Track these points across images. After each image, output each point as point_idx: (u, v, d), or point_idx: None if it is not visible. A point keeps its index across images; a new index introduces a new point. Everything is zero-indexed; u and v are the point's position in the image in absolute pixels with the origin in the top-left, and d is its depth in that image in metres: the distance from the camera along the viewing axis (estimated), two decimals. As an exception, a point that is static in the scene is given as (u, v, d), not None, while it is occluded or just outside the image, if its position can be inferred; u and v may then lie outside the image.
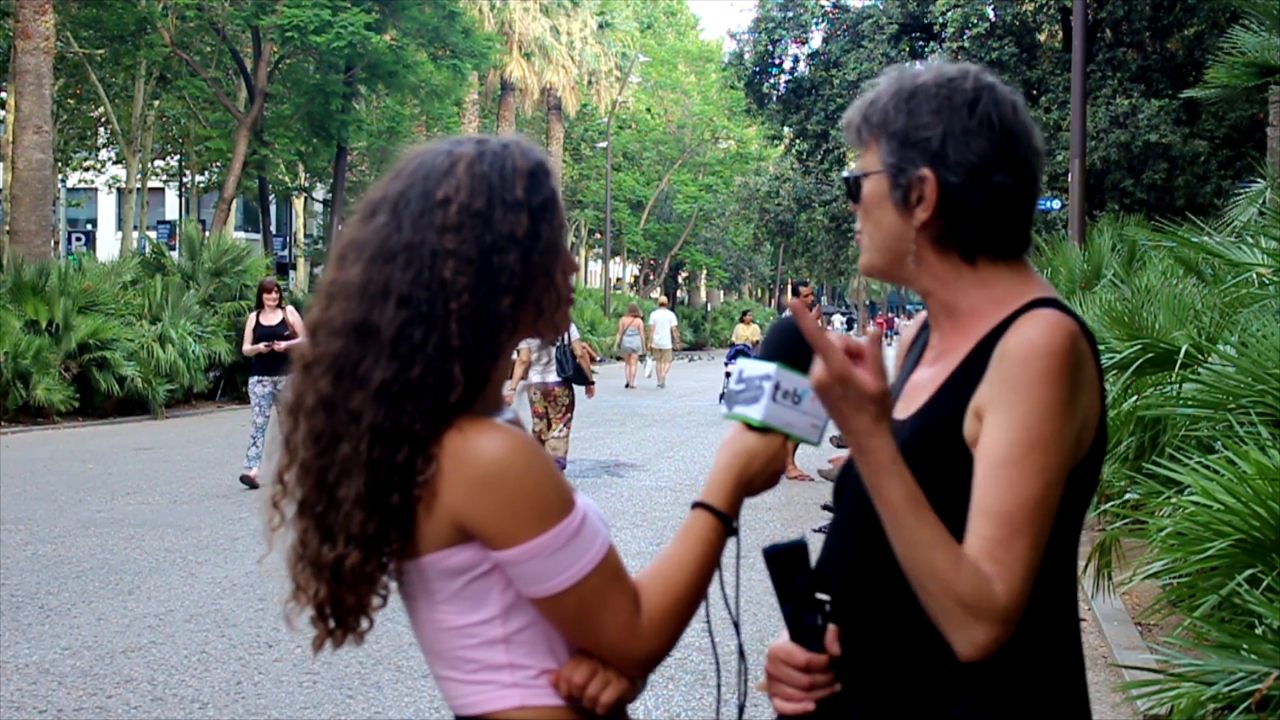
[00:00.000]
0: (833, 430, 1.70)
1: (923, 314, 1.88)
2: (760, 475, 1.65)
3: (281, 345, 11.42)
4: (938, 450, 1.63)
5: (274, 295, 11.94)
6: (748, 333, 24.16)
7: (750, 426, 1.65)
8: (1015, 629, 1.52)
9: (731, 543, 1.67)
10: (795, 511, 10.23)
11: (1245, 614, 4.02)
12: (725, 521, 1.63)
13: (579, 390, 12.25)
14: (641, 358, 29.18)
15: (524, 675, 1.60)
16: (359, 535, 1.56)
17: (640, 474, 12.90)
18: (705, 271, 60.05)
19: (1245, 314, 6.28)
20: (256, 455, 11.56)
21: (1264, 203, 9.63)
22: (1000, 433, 1.56)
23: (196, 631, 6.56)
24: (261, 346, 11.66)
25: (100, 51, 28.31)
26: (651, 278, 56.58)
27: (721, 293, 68.69)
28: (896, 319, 72.40)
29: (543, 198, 1.62)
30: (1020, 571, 1.52)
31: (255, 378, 11.86)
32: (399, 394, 1.54)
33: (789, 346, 1.65)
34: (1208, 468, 4.46)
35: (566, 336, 11.56)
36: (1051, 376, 1.55)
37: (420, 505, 1.55)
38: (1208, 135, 19.90)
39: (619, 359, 31.35)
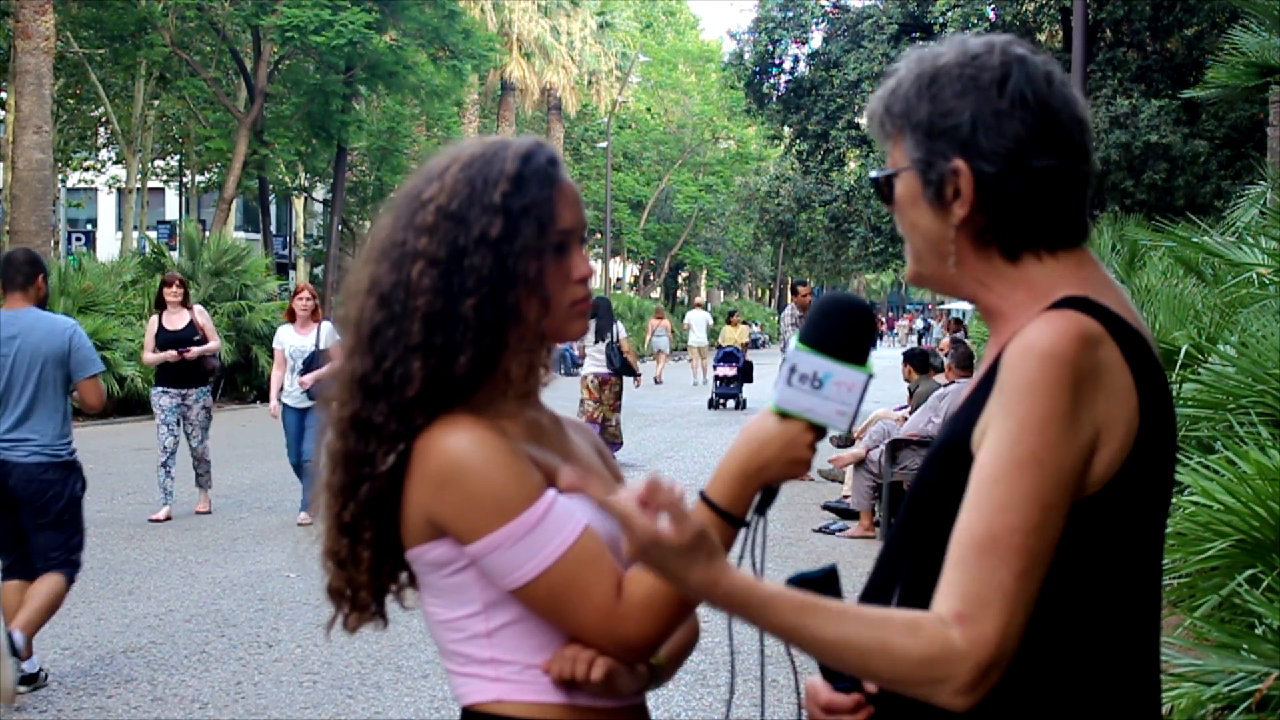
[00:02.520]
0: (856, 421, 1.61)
1: None
2: (774, 463, 1.53)
3: (193, 352, 9.68)
4: (949, 474, 1.47)
5: (176, 291, 9.85)
6: (735, 334, 23.70)
7: (774, 411, 1.55)
8: (1015, 672, 1.36)
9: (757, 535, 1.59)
10: (795, 511, 10.23)
11: (1245, 614, 4.03)
12: (725, 515, 1.53)
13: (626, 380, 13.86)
14: (678, 349, 29.30)
15: (507, 670, 1.62)
16: (335, 524, 1.64)
17: (640, 474, 12.84)
18: (705, 271, 60.02)
19: (1245, 314, 6.30)
20: (170, 492, 9.88)
21: (1264, 203, 9.63)
22: (990, 449, 1.39)
23: (196, 631, 6.56)
24: (169, 355, 9.60)
25: (100, 51, 28.28)
26: (651, 278, 56.56)
27: (721, 293, 68.68)
28: (897, 319, 72.40)
29: (526, 202, 1.61)
30: (999, 599, 1.33)
31: (159, 389, 9.89)
32: (373, 388, 1.60)
33: (817, 327, 1.54)
34: (1208, 468, 4.47)
35: (616, 334, 13.35)
36: (1046, 385, 1.37)
37: (400, 500, 1.60)
38: (1208, 135, 19.87)
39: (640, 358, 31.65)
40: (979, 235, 1.51)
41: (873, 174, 1.60)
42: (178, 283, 9.94)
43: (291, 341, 9.87)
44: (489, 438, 1.58)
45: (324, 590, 1.70)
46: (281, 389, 9.86)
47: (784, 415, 1.54)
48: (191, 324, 9.83)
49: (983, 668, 1.32)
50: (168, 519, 9.78)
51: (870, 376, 1.54)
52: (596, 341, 13.38)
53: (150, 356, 9.75)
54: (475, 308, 1.59)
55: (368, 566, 1.65)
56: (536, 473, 1.60)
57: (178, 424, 9.82)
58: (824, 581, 1.53)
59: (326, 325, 9.87)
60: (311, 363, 9.59)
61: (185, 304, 9.91)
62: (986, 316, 1.56)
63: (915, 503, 1.55)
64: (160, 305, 9.91)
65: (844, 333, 1.53)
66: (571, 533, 1.57)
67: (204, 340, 9.84)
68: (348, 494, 1.61)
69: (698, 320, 29.56)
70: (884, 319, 67.01)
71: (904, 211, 1.55)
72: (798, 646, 1.38)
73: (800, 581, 1.51)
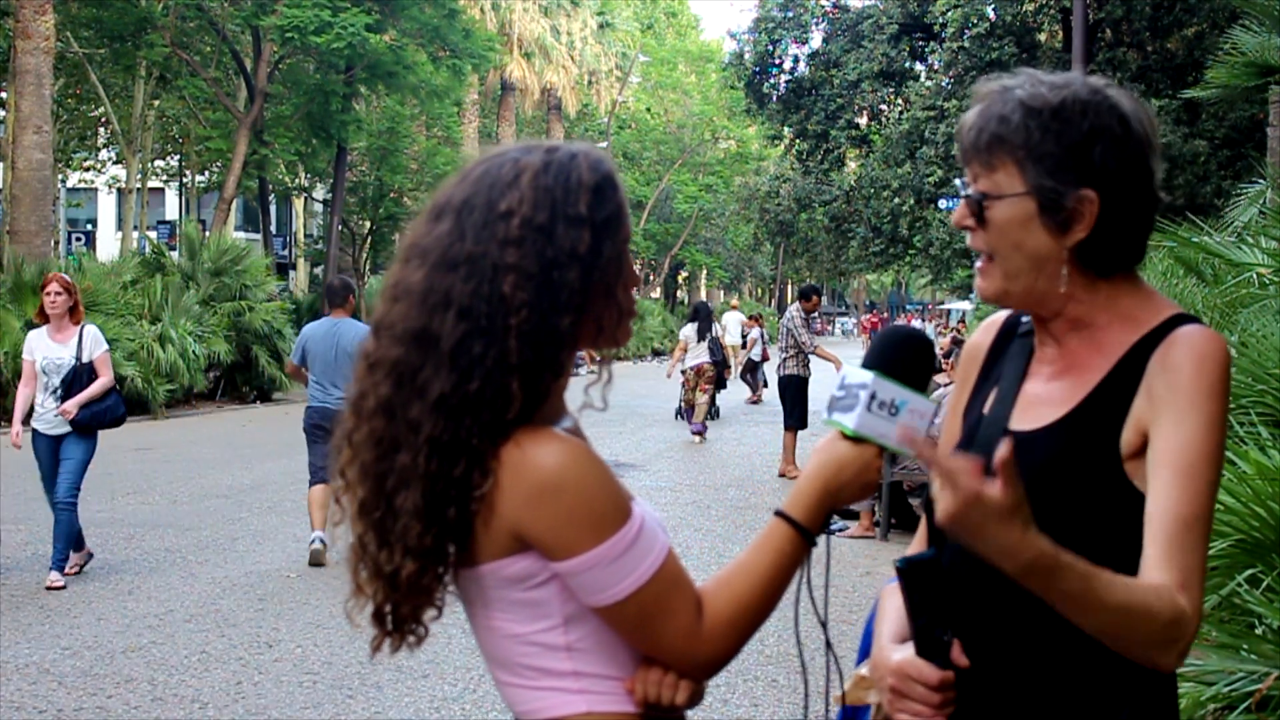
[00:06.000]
0: None
1: (996, 319, 1.87)
2: (850, 486, 1.63)
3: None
4: (1094, 465, 1.63)
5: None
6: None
7: (845, 435, 1.62)
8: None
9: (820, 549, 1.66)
10: (795, 511, 10.22)
11: (1245, 614, 4.03)
12: (803, 533, 1.60)
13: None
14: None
15: (589, 682, 1.59)
16: (415, 547, 1.55)
17: (640, 474, 12.89)
18: (705, 271, 60.00)
19: (1245, 314, 6.30)
20: None
21: (1264, 203, 9.62)
22: (1176, 442, 1.57)
23: (196, 631, 6.56)
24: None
25: (100, 51, 28.27)
26: (651, 278, 56.55)
27: (721, 292, 68.67)
28: (896, 320, 72.45)
29: (606, 213, 1.59)
30: (1200, 576, 1.54)
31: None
32: (457, 407, 1.53)
33: (891, 356, 1.64)
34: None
35: (715, 332, 16.68)
36: (1220, 390, 1.59)
37: (478, 517, 1.54)
38: (1208, 135, 19.87)
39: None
40: (1082, 255, 1.65)
41: (967, 193, 1.68)
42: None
43: (45, 351, 7.61)
44: (583, 451, 1.54)
45: (379, 617, 1.62)
46: (31, 411, 7.64)
47: (857, 439, 1.62)
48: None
49: (1195, 631, 1.52)
50: None
51: (938, 406, 1.66)
52: (699, 340, 16.19)
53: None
54: (572, 325, 1.56)
55: (447, 586, 1.61)
56: (625, 487, 1.59)
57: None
58: (930, 564, 1.63)
59: (90, 330, 7.71)
60: (73, 379, 7.54)
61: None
62: (1067, 325, 1.70)
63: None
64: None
65: (911, 364, 1.64)
66: (661, 551, 1.55)
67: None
68: (429, 517, 1.53)
69: (733, 321, 29.71)
70: (877, 318, 66.97)
71: (1006, 232, 1.65)
72: (1077, 608, 1.47)
73: (909, 563, 1.63)
